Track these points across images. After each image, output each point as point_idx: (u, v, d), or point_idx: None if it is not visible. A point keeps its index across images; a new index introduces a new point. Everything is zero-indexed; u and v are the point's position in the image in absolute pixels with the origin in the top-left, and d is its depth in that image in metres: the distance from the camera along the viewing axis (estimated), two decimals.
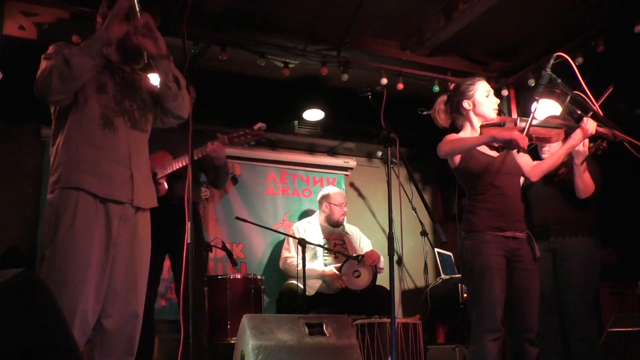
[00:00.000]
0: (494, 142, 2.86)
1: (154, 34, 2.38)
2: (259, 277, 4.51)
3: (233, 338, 3.93)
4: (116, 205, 2.36)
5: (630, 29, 4.02)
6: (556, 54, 2.94)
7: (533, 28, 4.57)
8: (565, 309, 3.40)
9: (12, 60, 3.51)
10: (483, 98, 2.96)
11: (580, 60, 4.21)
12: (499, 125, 2.92)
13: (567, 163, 3.27)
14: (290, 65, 4.60)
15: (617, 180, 4.79)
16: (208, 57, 4.53)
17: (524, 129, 2.86)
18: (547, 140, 3.10)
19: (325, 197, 5.09)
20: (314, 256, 4.77)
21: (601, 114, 2.87)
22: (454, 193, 5.85)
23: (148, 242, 2.50)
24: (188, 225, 2.26)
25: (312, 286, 4.64)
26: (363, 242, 5.15)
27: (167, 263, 3.74)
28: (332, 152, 6.16)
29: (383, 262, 4.96)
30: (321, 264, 4.76)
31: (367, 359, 4.08)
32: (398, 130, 2.97)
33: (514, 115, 4.99)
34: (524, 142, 2.74)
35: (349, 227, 5.23)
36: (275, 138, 5.65)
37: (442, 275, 5.23)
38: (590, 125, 2.92)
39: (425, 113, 3.28)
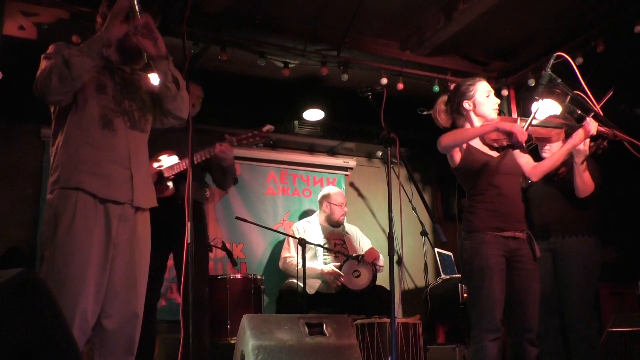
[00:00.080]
0: (495, 132, 2.86)
1: (153, 35, 2.38)
2: (259, 277, 4.51)
3: (233, 338, 3.93)
4: (116, 206, 2.36)
5: (630, 29, 4.02)
6: (556, 54, 2.94)
7: (533, 28, 4.57)
8: (565, 309, 3.40)
9: (12, 60, 3.51)
10: (483, 98, 2.96)
11: (580, 60, 4.21)
12: None
13: (568, 162, 3.27)
14: (290, 65, 4.60)
15: (617, 180, 4.80)
16: (208, 57, 4.53)
17: (525, 127, 2.88)
18: (547, 140, 3.10)
19: (326, 197, 5.10)
20: (314, 256, 4.77)
21: (601, 114, 2.87)
22: (454, 193, 5.86)
23: (148, 242, 2.50)
24: (188, 225, 2.26)
25: (312, 286, 4.64)
26: (363, 242, 5.16)
27: (169, 262, 3.73)
28: (332, 152, 6.16)
29: (383, 261, 4.97)
30: (321, 263, 4.76)
31: (367, 359, 4.08)
32: (398, 130, 2.97)
33: (514, 115, 4.99)
34: (523, 136, 2.79)
35: (349, 227, 5.24)
36: (275, 138, 5.65)
37: (442, 275, 5.24)
38: (591, 125, 2.92)
39: (425, 113, 3.28)
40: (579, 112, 2.94)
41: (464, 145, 2.93)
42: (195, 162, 3.46)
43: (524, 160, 3.04)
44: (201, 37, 4.25)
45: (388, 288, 2.87)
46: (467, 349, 4.37)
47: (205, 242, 3.72)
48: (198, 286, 3.40)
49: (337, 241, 4.99)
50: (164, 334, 4.57)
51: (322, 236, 4.96)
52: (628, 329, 3.89)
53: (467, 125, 3.00)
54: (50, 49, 2.44)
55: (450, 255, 5.56)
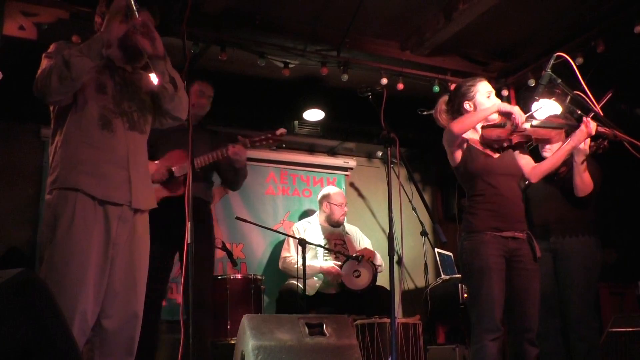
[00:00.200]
0: (497, 112, 2.89)
1: (151, 34, 2.38)
2: (259, 277, 4.51)
3: (233, 338, 3.92)
4: (115, 207, 2.35)
5: (630, 29, 4.02)
6: (556, 54, 2.94)
7: (533, 28, 4.57)
8: (565, 309, 3.40)
9: (12, 60, 3.51)
10: (484, 99, 2.95)
11: (580, 60, 4.21)
12: (500, 126, 2.93)
13: (568, 162, 3.27)
14: (290, 66, 4.60)
15: (617, 180, 4.80)
16: (208, 57, 4.53)
17: (525, 129, 2.89)
18: (547, 141, 3.11)
19: (326, 197, 5.10)
20: (314, 256, 4.77)
21: (601, 114, 2.87)
22: (454, 193, 5.86)
23: (147, 242, 2.50)
24: (188, 225, 2.26)
25: (312, 286, 4.64)
26: (363, 242, 5.16)
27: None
28: (332, 152, 6.16)
29: (381, 261, 4.97)
30: (321, 263, 4.76)
31: (367, 359, 4.08)
32: (398, 130, 2.97)
33: None
34: (521, 117, 2.82)
35: (349, 227, 5.24)
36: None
37: (442, 275, 5.24)
38: (591, 125, 2.92)
39: (425, 113, 3.28)
40: (579, 112, 2.94)
41: (465, 145, 2.93)
42: (207, 163, 3.47)
43: (524, 161, 3.03)
44: (201, 37, 4.25)
45: (388, 288, 2.87)
46: (467, 349, 4.37)
47: (211, 242, 3.72)
48: (201, 287, 3.41)
49: (337, 241, 5.00)
50: (164, 334, 4.56)
51: (323, 236, 4.96)
52: (628, 329, 3.89)
53: None
54: (52, 47, 2.44)
55: (450, 256, 5.56)
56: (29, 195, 4.83)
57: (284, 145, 4.71)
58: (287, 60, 4.58)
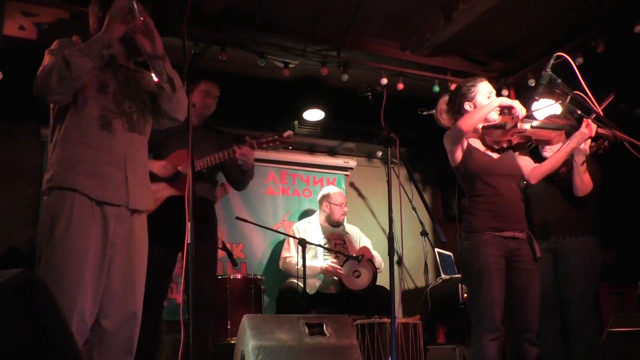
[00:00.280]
0: (499, 107, 2.91)
1: (152, 34, 2.38)
2: (259, 277, 4.51)
3: (233, 338, 3.93)
4: (112, 207, 2.35)
5: (630, 29, 4.02)
6: (556, 54, 2.94)
7: (533, 28, 4.57)
8: (565, 309, 3.40)
9: (12, 60, 3.51)
10: (484, 100, 2.95)
11: (580, 60, 4.21)
12: (501, 126, 2.93)
13: (568, 162, 3.26)
14: (290, 66, 4.60)
15: (617, 180, 4.80)
16: (208, 57, 4.53)
17: (525, 129, 2.89)
18: (547, 142, 3.11)
19: (326, 197, 5.10)
20: (315, 256, 4.77)
21: (602, 114, 2.87)
22: (454, 193, 5.86)
23: (145, 242, 2.49)
24: (188, 225, 2.26)
25: (312, 285, 4.64)
26: (363, 242, 5.15)
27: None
28: (332, 152, 6.16)
29: (380, 262, 4.97)
30: (321, 263, 4.76)
31: (367, 359, 4.08)
32: (398, 130, 2.97)
33: None
34: (521, 111, 2.85)
35: (349, 227, 5.24)
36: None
37: (442, 275, 5.24)
38: (589, 127, 2.93)
39: (425, 113, 3.28)
40: (579, 112, 2.94)
41: (465, 146, 2.93)
42: (213, 164, 3.48)
43: (524, 162, 3.03)
44: (201, 37, 4.25)
45: (388, 288, 2.87)
46: (467, 349, 4.37)
47: (215, 242, 3.72)
48: (205, 287, 3.41)
49: (337, 241, 5.00)
50: (164, 334, 4.57)
51: (323, 236, 4.96)
52: (628, 329, 3.89)
53: None
54: (55, 44, 2.44)
55: (450, 255, 5.56)
56: (29, 195, 4.83)
57: (290, 147, 4.73)
58: (287, 60, 4.57)
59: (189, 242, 2.24)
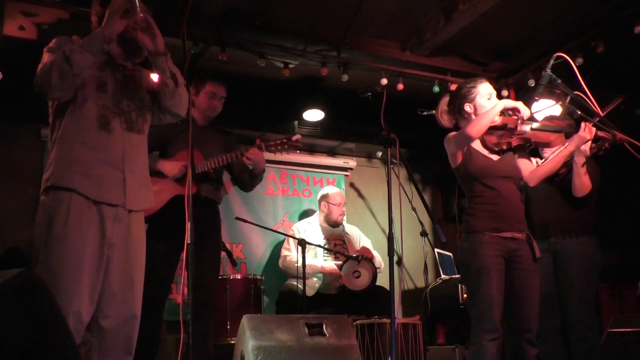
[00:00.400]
0: (504, 109, 2.91)
1: (152, 31, 2.38)
2: (258, 277, 4.51)
3: (233, 338, 3.92)
4: (109, 207, 2.35)
5: (630, 30, 4.02)
6: (556, 54, 2.94)
7: (533, 28, 4.57)
8: (565, 309, 3.40)
9: (12, 60, 3.51)
10: (485, 101, 2.95)
11: (580, 60, 4.20)
12: (501, 128, 2.93)
13: (568, 163, 3.27)
14: (290, 66, 4.60)
15: (617, 181, 4.80)
16: (208, 58, 4.53)
17: (525, 131, 2.90)
18: (547, 144, 3.12)
19: (324, 197, 5.10)
20: (314, 256, 4.77)
21: (602, 114, 2.87)
22: (454, 194, 5.85)
23: (143, 242, 2.49)
24: (188, 225, 2.26)
25: (312, 286, 4.64)
26: (363, 242, 5.15)
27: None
28: (332, 153, 6.15)
29: (380, 262, 4.97)
30: (321, 263, 4.76)
31: (367, 359, 4.08)
32: (398, 130, 2.97)
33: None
34: (525, 112, 2.87)
35: (349, 227, 5.24)
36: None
37: (442, 276, 5.24)
38: (588, 131, 2.93)
39: (425, 114, 3.28)
40: (579, 113, 2.95)
41: (465, 147, 2.94)
42: (220, 165, 3.48)
43: (524, 164, 3.04)
44: (201, 38, 4.25)
45: (388, 288, 2.86)
46: (467, 350, 4.37)
47: (219, 243, 3.72)
48: (209, 287, 3.41)
49: (337, 241, 4.99)
50: (164, 334, 4.57)
51: (322, 236, 4.96)
52: (628, 330, 3.89)
53: None
54: (53, 42, 2.43)
55: (450, 256, 5.56)
56: (29, 195, 4.82)
57: (297, 151, 4.77)
58: (287, 61, 4.57)
59: (189, 242, 2.24)
